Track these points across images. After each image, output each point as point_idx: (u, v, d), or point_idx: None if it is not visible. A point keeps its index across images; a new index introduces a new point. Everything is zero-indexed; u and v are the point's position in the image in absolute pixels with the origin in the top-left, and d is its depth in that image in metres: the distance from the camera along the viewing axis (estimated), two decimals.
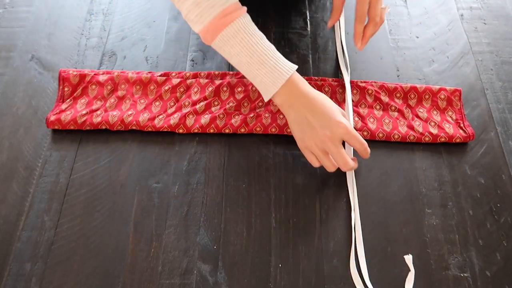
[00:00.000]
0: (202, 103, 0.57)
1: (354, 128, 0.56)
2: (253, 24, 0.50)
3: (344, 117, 0.50)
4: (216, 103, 0.58)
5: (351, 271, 0.47)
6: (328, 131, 0.48)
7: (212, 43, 0.50)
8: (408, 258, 0.48)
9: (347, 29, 0.68)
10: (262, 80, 0.49)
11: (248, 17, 0.50)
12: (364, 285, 0.46)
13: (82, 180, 0.52)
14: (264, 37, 0.51)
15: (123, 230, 0.49)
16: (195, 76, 0.60)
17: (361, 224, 0.50)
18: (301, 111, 0.50)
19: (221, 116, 0.56)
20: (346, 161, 0.48)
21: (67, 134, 0.55)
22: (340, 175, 0.53)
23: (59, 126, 0.55)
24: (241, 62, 0.50)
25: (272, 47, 0.50)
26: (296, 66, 0.50)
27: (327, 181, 0.53)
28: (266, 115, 0.57)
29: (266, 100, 0.51)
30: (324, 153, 0.49)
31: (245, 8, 0.50)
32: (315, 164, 0.51)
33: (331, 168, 0.50)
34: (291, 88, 0.50)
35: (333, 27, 0.68)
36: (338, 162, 0.49)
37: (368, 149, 0.50)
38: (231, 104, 0.58)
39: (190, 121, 0.56)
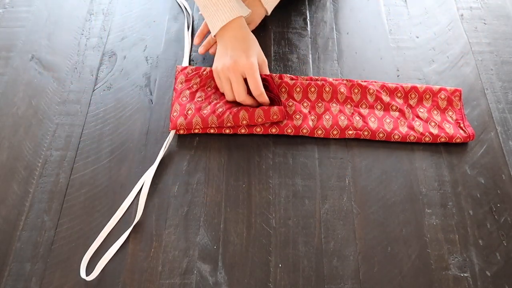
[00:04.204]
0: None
1: (355, 127, 0.56)
2: None
3: (257, 61, 0.55)
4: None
5: None
6: (236, 63, 0.54)
7: None
8: None
9: (347, 29, 0.68)
10: (213, 15, 0.56)
11: None
12: None
13: (82, 180, 0.52)
14: None
15: (123, 230, 0.49)
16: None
17: (361, 224, 0.50)
18: (227, 45, 0.56)
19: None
20: (241, 91, 0.54)
21: (67, 133, 0.55)
22: (339, 175, 0.54)
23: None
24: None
25: None
26: (248, 12, 0.57)
27: (327, 181, 0.53)
28: None
29: (213, 33, 0.58)
30: (227, 81, 0.55)
31: None
32: (222, 88, 0.56)
33: (228, 95, 0.55)
34: (232, 26, 0.56)
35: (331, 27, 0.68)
36: (235, 90, 0.54)
37: (263, 93, 0.54)
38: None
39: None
